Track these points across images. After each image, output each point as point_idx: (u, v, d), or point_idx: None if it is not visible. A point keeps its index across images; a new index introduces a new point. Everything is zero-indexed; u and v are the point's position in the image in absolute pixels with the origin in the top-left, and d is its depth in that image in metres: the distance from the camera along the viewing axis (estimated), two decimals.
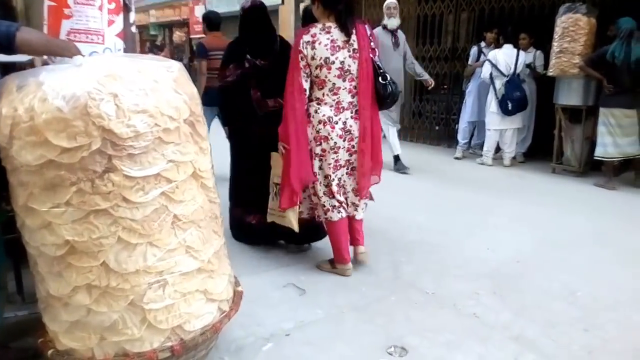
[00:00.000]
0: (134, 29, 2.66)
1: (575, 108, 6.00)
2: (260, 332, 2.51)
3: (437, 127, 8.57)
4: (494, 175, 6.27)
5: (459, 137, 7.32)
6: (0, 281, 2.16)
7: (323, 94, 2.96)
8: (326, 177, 3.05)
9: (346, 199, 3.16)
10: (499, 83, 6.41)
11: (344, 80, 2.94)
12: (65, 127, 1.67)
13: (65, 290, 1.79)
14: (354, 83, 2.96)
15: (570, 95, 5.98)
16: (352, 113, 3.00)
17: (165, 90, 1.85)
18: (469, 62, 7.14)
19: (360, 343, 2.44)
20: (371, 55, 2.98)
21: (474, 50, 7.11)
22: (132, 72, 1.82)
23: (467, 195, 5.25)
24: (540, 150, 6.83)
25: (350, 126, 3.00)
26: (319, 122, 2.96)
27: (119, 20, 2.44)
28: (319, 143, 2.99)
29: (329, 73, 2.90)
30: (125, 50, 2.49)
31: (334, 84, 2.93)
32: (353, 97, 2.98)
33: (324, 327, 2.60)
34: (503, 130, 6.57)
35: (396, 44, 5.99)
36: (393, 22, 5.98)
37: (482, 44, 7.06)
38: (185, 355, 1.95)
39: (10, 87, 1.77)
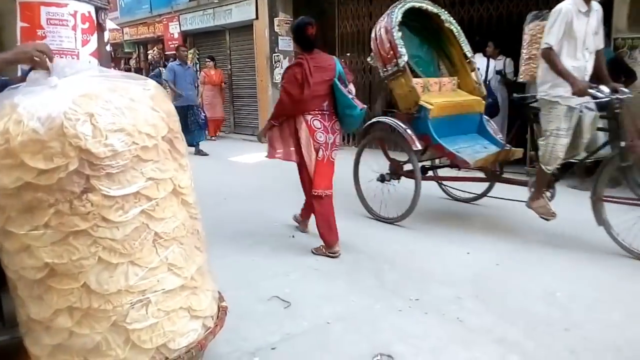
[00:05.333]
0: (108, 47, 2.66)
1: None
2: (246, 347, 2.50)
3: None
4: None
5: None
6: None
7: None
8: None
9: None
10: None
11: None
12: (42, 149, 1.65)
13: (46, 314, 1.76)
14: None
15: None
16: None
17: (142, 108, 1.85)
18: None
19: (347, 353, 2.45)
20: None
21: None
22: (107, 91, 1.82)
23: (445, 201, 5.31)
24: None
25: None
26: None
27: (93, 39, 2.43)
28: None
29: None
30: None
31: None
32: None
33: (310, 339, 2.60)
34: None
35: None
36: None
37: None
38: None
39: None
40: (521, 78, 6.13)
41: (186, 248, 1.98)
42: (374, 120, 4.84)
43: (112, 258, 1.75)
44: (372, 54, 4.67)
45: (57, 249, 1.71)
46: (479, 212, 4.86)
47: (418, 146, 4.34)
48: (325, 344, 2.54)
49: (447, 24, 4.81)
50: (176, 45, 9.67)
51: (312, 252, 3.80)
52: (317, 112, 3.74)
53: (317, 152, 3.74)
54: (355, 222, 4.49)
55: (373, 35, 4.61)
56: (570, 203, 5.07)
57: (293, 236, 4.21)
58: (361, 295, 3.08)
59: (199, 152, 8.83)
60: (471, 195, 5.13)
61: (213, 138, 10.71)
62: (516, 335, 2.60)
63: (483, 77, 6.47)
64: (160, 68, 11.73)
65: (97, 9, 2.56)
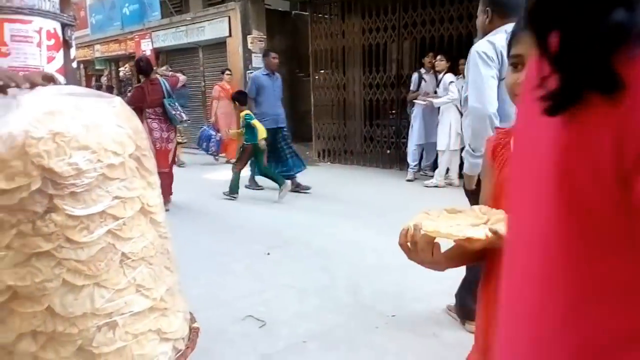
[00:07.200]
0: (75, 64, 2.61)
1: None
2: None
3: (388, 151, 8.75)
4: (448, 196, 6.42)
5: (409, 159, 7.49)
6: None
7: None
8: None
9: None
10: None
11: None
12: (3, 168, 1.59)
13: (9, 338, 1.68)
14: None
15: None
16: None
17: (108, 125, 1.81)
18: (411, 88, 7.41)
19: None
20: None
21: (414, 76, 7.39)
22: (72, 108, 1.77)
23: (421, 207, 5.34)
24: None
25: None
26: None
27: (59, 56, 2.39)
28: None
29: None
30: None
31: None
32: None
33: (286, 359, 2.55)
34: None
35: None
36: None
37: (422, 70, 7.34)
38: None
39: None
40: None
41: (155, 268, 1.93)
42: None
43: (77, 280, 1.70)
44: None
45: (19, 271, 1.64)
46: None
47: None
48: None
49: None
50: (264, 50, 8.01)
51: None
52: (154, 116, 5.73)
53: (155, 144, 5.53)
54: (328, 239, 4.48)
55: None
56: None
57: (268, 254, 4.16)
58: (337, 312, 3.05)
59: (299, 187, 6.69)
60: None
61: (232, 161, 8.06)
62: None
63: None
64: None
65: (64, 26, 2.52)
